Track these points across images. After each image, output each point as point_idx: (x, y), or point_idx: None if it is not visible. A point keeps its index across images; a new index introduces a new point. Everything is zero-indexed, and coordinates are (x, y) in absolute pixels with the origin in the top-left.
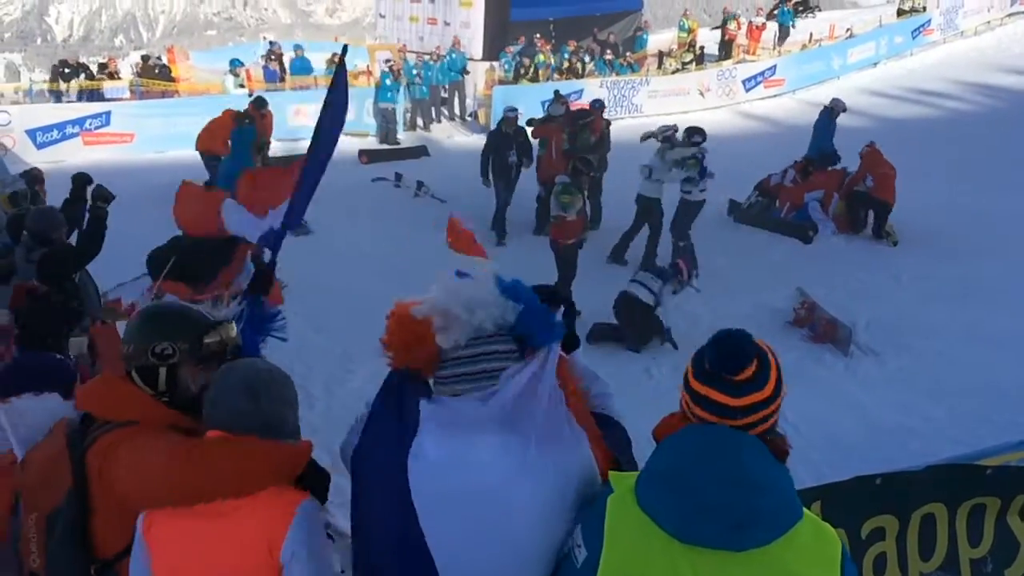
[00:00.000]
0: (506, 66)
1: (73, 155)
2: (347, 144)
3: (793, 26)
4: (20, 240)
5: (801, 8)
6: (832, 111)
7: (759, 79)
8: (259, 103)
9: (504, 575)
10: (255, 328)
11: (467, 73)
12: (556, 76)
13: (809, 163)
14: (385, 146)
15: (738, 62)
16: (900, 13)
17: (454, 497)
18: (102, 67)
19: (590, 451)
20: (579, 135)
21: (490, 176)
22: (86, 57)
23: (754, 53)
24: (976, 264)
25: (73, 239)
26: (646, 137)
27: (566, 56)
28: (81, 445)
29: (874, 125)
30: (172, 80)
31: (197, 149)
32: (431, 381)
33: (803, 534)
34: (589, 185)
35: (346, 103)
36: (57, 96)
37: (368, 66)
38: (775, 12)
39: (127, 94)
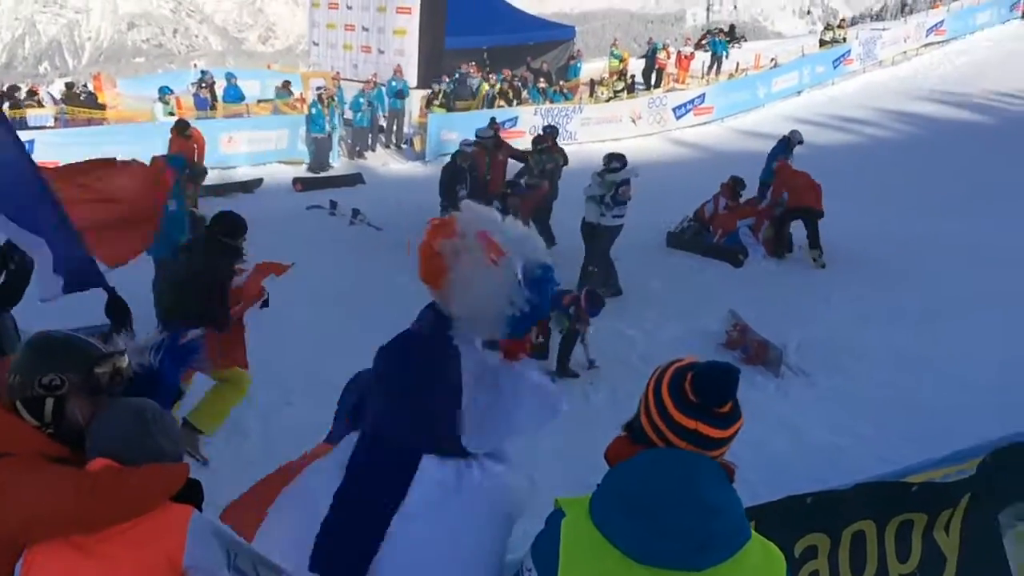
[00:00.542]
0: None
1: None
2: (281, 172)
3: (726, 56)
4: None
5: (728, 38)
6: (789, 141)
7: (689, 107)
8: (181, 126)
9: None
10: (175, 359)
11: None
12: (500, 104)
13: (736, 182)
14: (320, 174)
15: (668, 90)
16: (822, 43)
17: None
18: (30, 94)
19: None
20: (541, 159)
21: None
22: (6, 84)
23: (683, 82)
24: (901, 287)
25: None
26: None
27: (500, 81)
28: None
29: (799, 151)
30: (100, 107)
31: None
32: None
33: (752, 554)
34: (536, 210)
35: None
36: None
37: (301, 94)
38: (703, 42)
39: (51, 122)
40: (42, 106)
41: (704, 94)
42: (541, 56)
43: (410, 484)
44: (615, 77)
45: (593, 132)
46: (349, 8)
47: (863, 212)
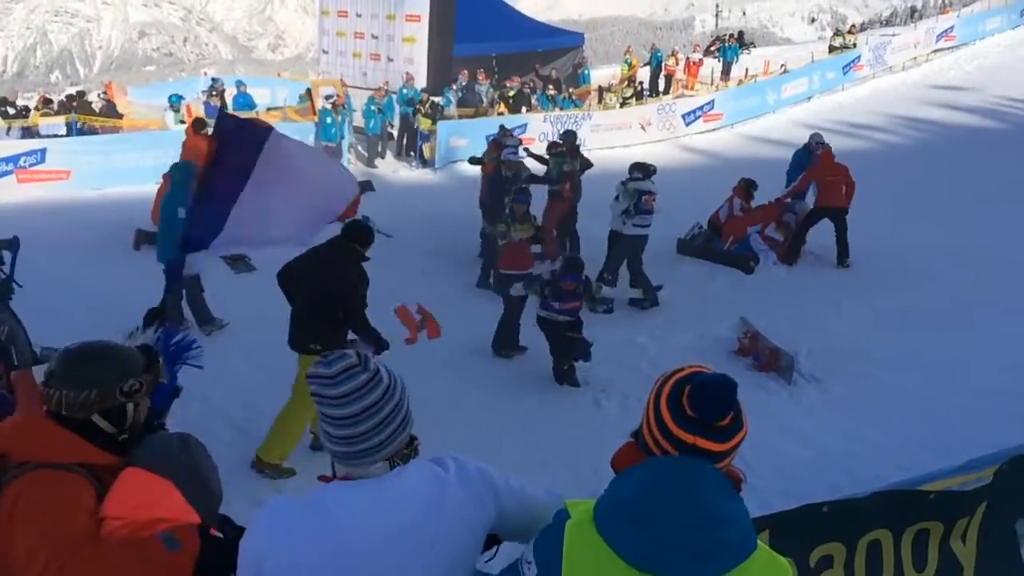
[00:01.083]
0: (446, 101)
1: (8, 193)
2: None
3: (736, 61)
4: None
5: (739, 44)
6: (809, 147)
7: (698, 113)
8: (198, 124)
9: None
10: (171, 357)
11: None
12: (501, 110)
13: (749, 184)
14: None
15: (678, 97)
16: (831, 49)
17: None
18: (47, 101)
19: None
20: (559, 163)
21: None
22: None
23: (692, 88)
24: (911, 293)
25: None
26: None
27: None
28: None
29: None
30: (119, 116)
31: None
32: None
33: (758, 565)
34: (562, 215)
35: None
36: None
37: (311, 102)
38: (713, 49)
39: (63, 131)
40: (55, 115)
41: (713, 100)
42: (550, 63)
43: None
44: (624, 84)
45: (602, 139)
46: (359, 16)
47: (874, 218)
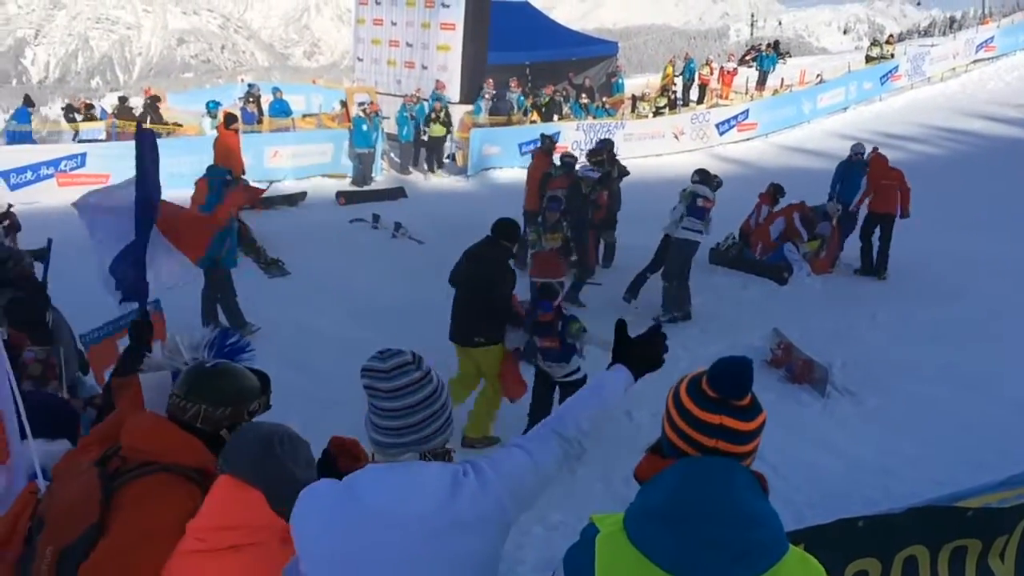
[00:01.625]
0: (476, 109)
1: (48, 196)
2: (325, 186)
3: (772, 71)
4: None
5: (775, 53)
6: (851, 158)
7: (732, 123)
8: (229, 120)
9: None
10: (224, 358)
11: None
12: (534, 118)
13: (776, 189)
14: (363, 188)
15: (712, 106)
16: (868, 59)
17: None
18: (88, 107)
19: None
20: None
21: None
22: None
23: (727, 97)
24: (948, 305)
25: None
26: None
27: (544, 98)
28: (111, 485)
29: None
30: (164, 122)
31: None
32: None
33: (790, 565)
34: (600, 222)
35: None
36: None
37: (346, 107)
38: (747, 58)
39: (103, 135)
40: (96, 119)
41: (748, 110)
42: (583, 72)
43: None
44: (659, 93)
45: (635, 148)
46: (394, 24)
47: (911, 229)
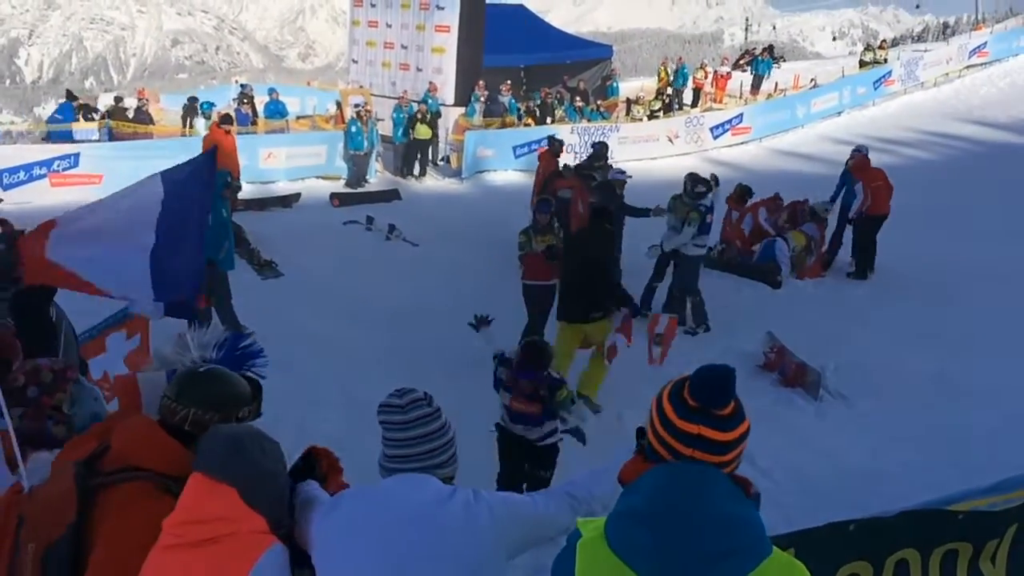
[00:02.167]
0: (470, 111)
1: (40, 196)
2: (319, 187)
3: (768, 75)
4: None
5: (770, 58)
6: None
7: (727, 127)
8: (225, 120)
9: None
10: (234, 360)
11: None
12: (528, 121)
13: (744, 190)
14: (357, 190)
15: (706, 110)
16: (862, 64)
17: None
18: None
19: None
20: (603, 174)
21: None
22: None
23: (721, 101)
24: (941, 310)
25: None
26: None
27: (536, 100)
28: (89, 483)
29: (838, 172)
30: (151, 122)
31: None
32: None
33: (774, 569)
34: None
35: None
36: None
37: (340, 109)
38: (741, 62)
39: (96, 136)
40: (92, 120)
41: (742, 114)
42: (578, 75)
43: None
44: (654, 97)
45: (630, 151)
46: (388, 26)
47: (903, 234)
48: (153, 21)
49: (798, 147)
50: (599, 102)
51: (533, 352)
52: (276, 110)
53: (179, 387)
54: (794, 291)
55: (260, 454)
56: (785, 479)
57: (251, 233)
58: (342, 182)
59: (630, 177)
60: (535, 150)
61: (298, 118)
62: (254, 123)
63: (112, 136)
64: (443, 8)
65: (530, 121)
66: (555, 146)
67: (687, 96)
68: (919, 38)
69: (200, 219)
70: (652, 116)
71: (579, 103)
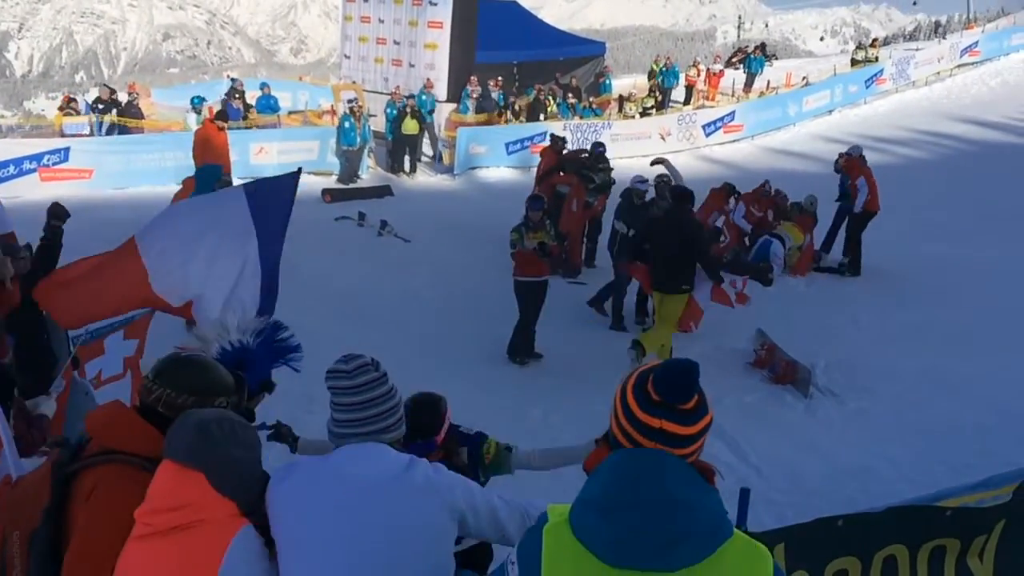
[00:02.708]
0: (463, 108)
1: (30, 191)
2: (310, 183)
3: (761, 73)
4: None
5: (763, 56)
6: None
7: (719, 124)
8: (220, 115)
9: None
10: (269, 351)
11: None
12: (520, 118)
13: (729, 189)
14: (349, 185)
15: (698, 107)
16: (854, 63)
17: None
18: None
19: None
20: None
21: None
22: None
23: (713, 99)
24: (931, 308)
25: None
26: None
27: (530, 95)
28: (67, 468)
29: (830, 170)
30: (140, 116)
31: None
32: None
33: (733, 552)
34: (589, 226)
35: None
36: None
37: (332, 106)
38: (734, 60)
39: (86, 131)
40: (79, 114)
41: (734, 112)
42: (570, 71)
43: None
44: (645, 94)
45: (622, 148)
46: (381, 22)
47: (894, 232)
48: (144, 15)
49: (790, 145)
50: (591, 99)
51: (425, 409)
52: (267, 105)
53: (158, 368)
54: (785, 289)
55: (228, 439)
56: (775, 475)
57: None
58: (334, 178)
59: (651, 186)
60: (527, 147)
61: (290, 113)
62: (245, 118)
63: (111, 131)
64: (435, 4)
65: (512, 118)
66: (557, 143)
67: (678, 94)
68: (911, 37)
69: (280, 235)
70: (645, 113)
71: (572, 100)
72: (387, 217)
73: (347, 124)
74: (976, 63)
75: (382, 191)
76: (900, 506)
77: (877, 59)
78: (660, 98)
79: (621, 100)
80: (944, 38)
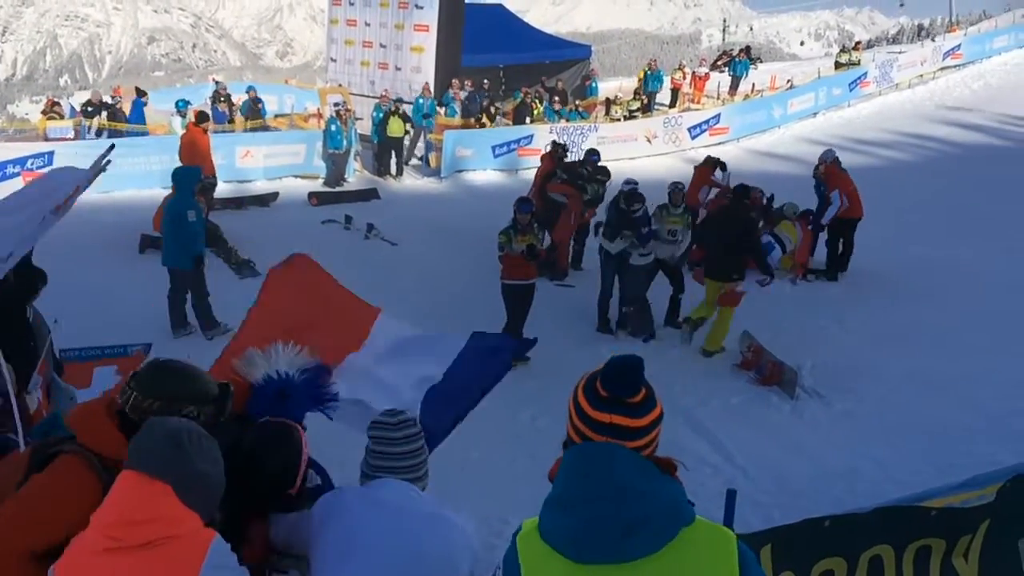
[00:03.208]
0: (450, 111)
1: None
2: (297, 186)
3: (746, 76)
4: None
5: (748, 59)
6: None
7: (704, 127)
8: (201, 118)
9: None
10: (309, 394)
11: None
12: (507, 121)
13: (715, 162)
14: (335, 189)
15: (684, 110)
16: (837, 66)
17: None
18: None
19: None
20: (597, 187)
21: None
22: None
23: (699, 102)
24: (916, 310)
25: None
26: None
27: (517, 98)
28: (43, 455)
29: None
30: (123, 120)
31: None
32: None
33: (695, 537)
34: (577, 229)
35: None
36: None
37: (319, 109)
38: (719, 63)
39: (71, 134)
40: (62, 118)
41: (720, 114)
42: (557, 75)
43: None
44: (631, 97)
45: (608, 151)
46: (367, 25)
47: (878, 234)
48: (129, 18)
49: (775, 147)
50: (577, 102)
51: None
52: (252, 110)
53: (136, 372)
54: (771, 291)
55: (197, 452)
56: (761, 477)
57: (229, 232)
58: (320, 181)
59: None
60: (514, 149)
61: (276, 116)
62: (231, 121)
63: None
64: (422, 7)
65: (508, 121)
66: (558, 151)
67: (663, 97)
68: (894, 40)
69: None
70: (630, 116)
71: (557, 104)
72: (374, 220)
73: (333, 127)
74: (959, 66)
75: (368, 194)
76: (886, 507)
77: (860, 62)
78: (646, 101)
79: (607, 103)
80: (929, 37)
